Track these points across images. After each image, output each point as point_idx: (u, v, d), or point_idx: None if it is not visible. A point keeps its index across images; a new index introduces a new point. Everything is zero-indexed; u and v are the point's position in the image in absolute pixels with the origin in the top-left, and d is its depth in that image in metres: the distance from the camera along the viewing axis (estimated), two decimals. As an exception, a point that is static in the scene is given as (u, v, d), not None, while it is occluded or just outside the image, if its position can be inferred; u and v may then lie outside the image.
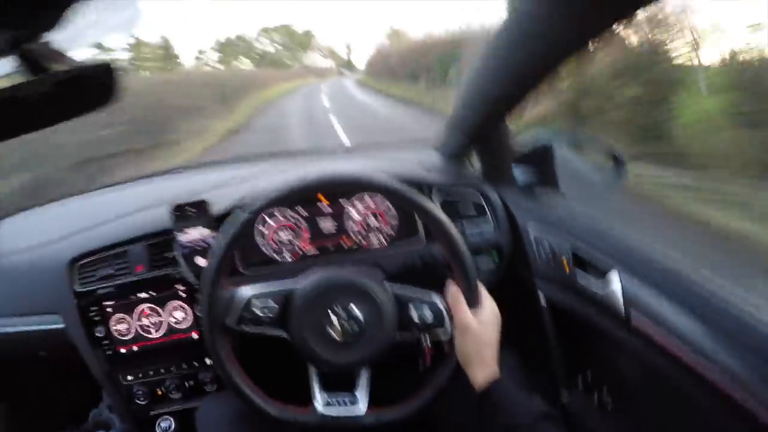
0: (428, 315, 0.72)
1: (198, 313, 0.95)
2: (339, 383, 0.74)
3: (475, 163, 1.09)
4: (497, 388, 0.65)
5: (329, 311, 0.69)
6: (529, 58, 0.76)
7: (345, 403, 0.73)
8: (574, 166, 1.03)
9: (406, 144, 1.28)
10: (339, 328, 0.69)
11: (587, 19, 0.63)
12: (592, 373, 0.93)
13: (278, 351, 0.76)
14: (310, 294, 0.71)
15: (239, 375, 0.72)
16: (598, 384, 0.93)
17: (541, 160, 1.00)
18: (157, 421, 0.97)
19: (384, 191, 0.73)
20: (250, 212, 0.72)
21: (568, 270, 0.88)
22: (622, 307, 0.76)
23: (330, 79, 41.14)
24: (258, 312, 0.71)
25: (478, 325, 0.68)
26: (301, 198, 0.72)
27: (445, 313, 0.71)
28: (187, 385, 1.00)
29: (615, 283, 0.78)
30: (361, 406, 0.73)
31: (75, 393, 1.28)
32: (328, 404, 0.73)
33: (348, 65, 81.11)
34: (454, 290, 0.71)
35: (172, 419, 0.97)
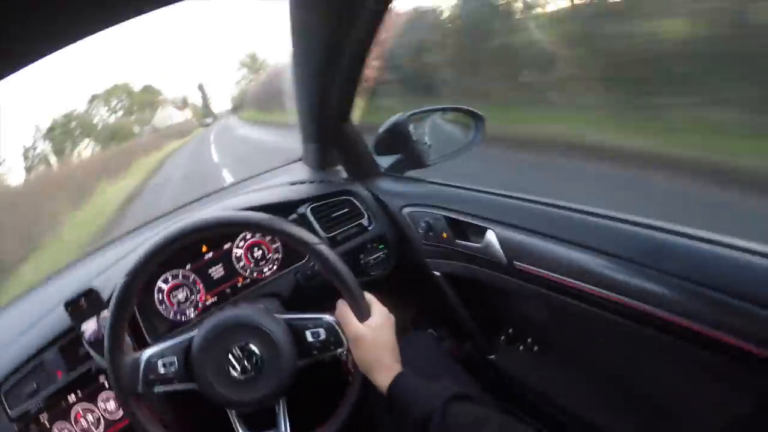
0: (323, 334, 0.74)
1: None
2: (261, 420, 0.75)
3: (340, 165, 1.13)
4: (401, 385, 0.66)
5: (227, 352, 0.71)
6: (332, 49, 0.79)
7: None
8: (434, 137, 1.06)
9: (277, 167, 1.32)
10: (239, 366, 0.71)
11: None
12: (509, 326, 0.94)
13: (192, 403, 0.77)
14: (205, 339, 0.72)
15: None
16: (519, 334, 0.94)
17: (400, 142, 1.04)
18: None
19: (245, 226, 0.75)
20: (126, 276, 0.73)
21: (448, 239, 0.90)
22: (505, 258, 0.78)
23: (194, 136, 33.71)
24: (162, 370, 0.72)
25: (371, 333, 0.70)
26: (179, 250, 0.75)
27: (339, 330, 0.73)
28: None
29: (493, 239, 0.80)
30: None
31: None
32: None
33: (208, 112, 70.86)
34: (341, 306, 0.73)
35: None
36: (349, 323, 0.71)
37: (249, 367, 0.71)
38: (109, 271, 1.03)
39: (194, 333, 0.75)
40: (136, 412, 0.72)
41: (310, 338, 0.74)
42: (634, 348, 0.71)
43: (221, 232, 0.77)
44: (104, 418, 0.96)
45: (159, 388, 0.73)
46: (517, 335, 0.95)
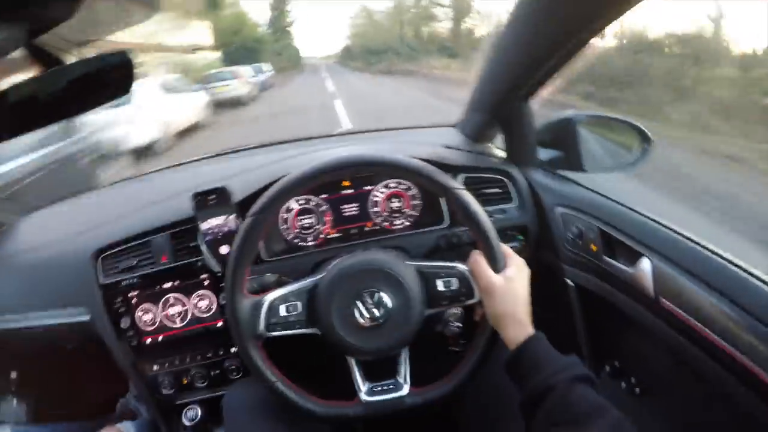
0: (455, 284, 0.71)
1: (222, 302, 0.95)
2: (380, 370, 0.74)
3: (498, 143, 1.07)
4: (533, 345, 0.64)
5: (356, 298, 0.69)
6: (553, 36, 0.74)
7: (389, 388, 0.73)
8: (597, 145, 1.01)
9: (427, 126, 1.27)
10: (367, 314, 0.69)
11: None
12: (619, 358, 0.92)
13: (311, 349, 0.76)
14: (335, 283, 0.70)
15: (280, 380, 0.72)
16: (626, 369, 0.91)
17: (565, 140, 0.98)
18: (184, 411, 0.97)
19: (409, 173, 0.72)
20: (253, 215, 0.71)
21: (596, 253, 0.86)
22: (653, 291, 0.74)
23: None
24: (284, 314, 0.71)
25: (506, 284, 0.67)
26: (323, 182, 0.71)
27: (471, 280, 0.71)
28: (212, 373, 1.00)
29: (645, 267, 0.76)
30: (405, 388, 0.72)
31: (102, 383, 1.29)
32: (372, 392, 0.73)
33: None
34: (475, 255, 0.70)
35: (198, 408, 0.97)
36: (484, 273, 0.68)
37: (377, 314, 0.68)
38: (243, 175, 1.00)
39: (319, 277, 0.73)
40: (253, 354, 0.70)
41: (440, 287, 0.72)
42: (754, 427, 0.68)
43: (365, 171, 0.73)
44: (192, 313, 0.96)
45: (279, 332, 0.71)
46: (623, 370, 0.91)
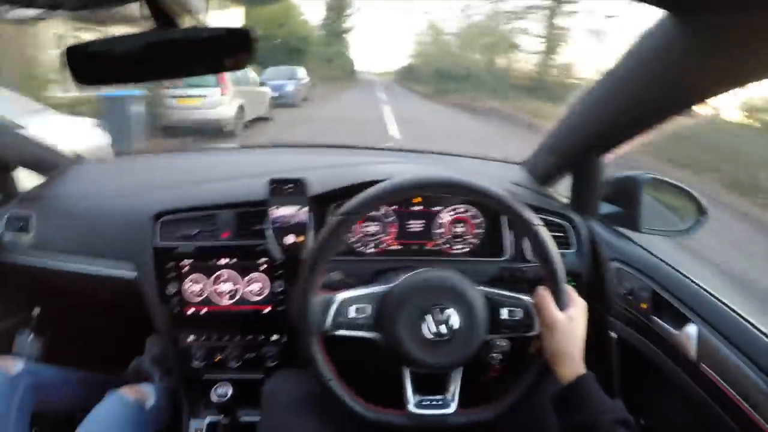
0: (519, 315, 0.75)
1: (275, 290, 0.97)
2: (430, 385, 0.76)
3: (561, 189, 1.10)
4: (583, 383, 0.67)
5: (425, 312, 0.71)
6: (645, 100, 0.77)
7: (437, 404, 0.75)
8: (654, 208, 1.04)
9: (493, 158, 1.29)
10: (435, 329, 0.71)
11: (715, 76, 0.64)
12: (648, 416, 0.95)
13: (366, 354, 0.78)
14: (406, 294, 0.73)
15: (335, 378, 0.73)
16: (653, 428, 0.94)
17: (627, 197, 1.01)
18: (214, 387, 0.98)
19: (501, 205, 0.74)
20: (345, 212, 0.72)
21: (646, 312, 0.89)
22: (695, 356, 0.78)
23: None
24: (353, 315, 0.73)
25: (568, 322, 0.70)
26: (406, 196, 0.74)
27: (534, 314, 0.74)
28: (247, 356, 1.02)
29: (692, 332, 0.80)
30: (452, 407, 0.75)
31: (119, 340, 1.30)
32: (420, 405, 0.74)
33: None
34: (542, 291, 0.73)
35: (231, 386, 0.98)
36: (548, 309, 0.71)
37: (443, 331, 0.71)
38: (320, 171, 1.02)
39: (392, 285, 0.75)
40: (315, 348, 0.72)
41: (505, 315, 0.75)
42: None
43: (454, 193, 0.75)
44: (242, 294, 0.97)
45: (343, 332, 0.73)
46: (650, 428, 0.94)
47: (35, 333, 1.25)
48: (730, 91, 0.68)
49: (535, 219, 0.74)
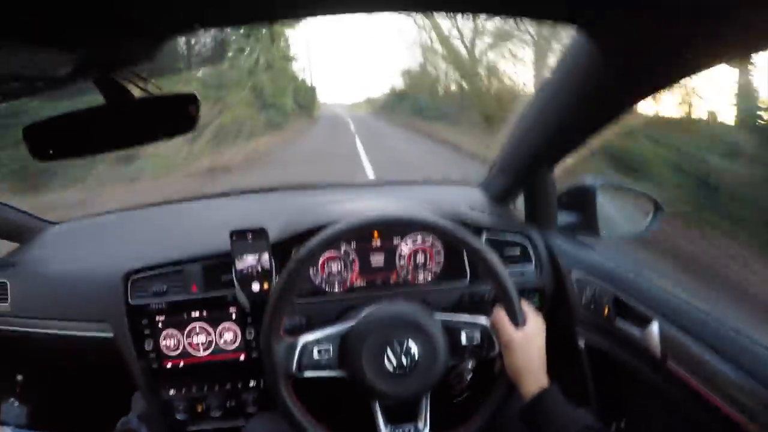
0: (477, 338, 0.77)
1: (248, 337, 0.98)
2: (401, 414, 0.78)
3: (518, 205, 1.13)
4: (547, 397, 0.69)
5: (386, 346, 0.73)
6: (578, 112, 0.79)
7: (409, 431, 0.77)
8: (609, 211, 1.07)
9: (449, 181, 1.31)
10: (396, 361, 0.73)
11: (643, 79, 0.66)
12: (626, 418, 0.97)
13: (337, 391, 0.80)
14: (366, 331, 0.75)
15: (307, 419, 0.75)
16: (632, 429, 0.97)
17: (583, 204, 1.04)
18: None
19: (446, 235, 0.77)
20: (299, 258, 0.75)
21: (608, 316, 0.92)
22: (659, 353, 0.80)
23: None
24: (316, 356, 0.75)
25: (525, 339, 0.73)
26: (359, 235, 0.76)
27: (492, 334, 0.76)
28: (228, 404, 1.02)
29: (654, 330, 0.82)
30: None
31: (105, 400, 1.30)
32: None
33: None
34: (497, 311, 0.76)
35: None
36: (505, 328, 0.73)
37: (405, 363, 0.73)
38: (281, 216, 1.03)
39: (352, 324, 0.77)
40: (284, 393, 0.74)
41: (464, 341, 0.77)
42: None
43: (408, 229, 0.78)
44: (216, 344, 0.98)
45: (309, 373, 0.75)
46: (628, 427, 0.98)
47: (20, 400, 1.25)
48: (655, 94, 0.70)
49: (478, 243, 0.76)
